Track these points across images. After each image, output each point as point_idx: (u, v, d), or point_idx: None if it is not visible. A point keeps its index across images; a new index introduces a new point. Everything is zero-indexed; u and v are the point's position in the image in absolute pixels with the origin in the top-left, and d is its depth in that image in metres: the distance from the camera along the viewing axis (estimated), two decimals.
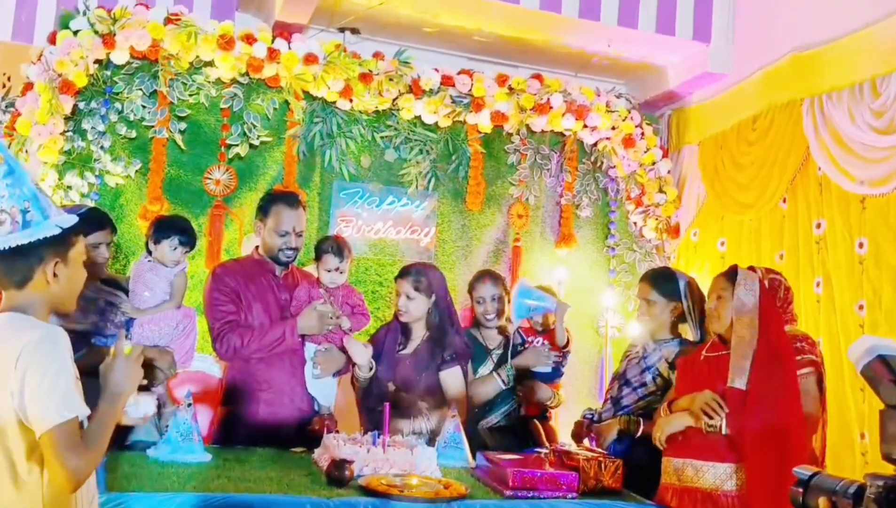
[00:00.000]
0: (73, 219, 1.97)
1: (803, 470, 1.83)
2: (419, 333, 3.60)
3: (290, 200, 3.55)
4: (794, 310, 3.27)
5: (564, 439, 3.94)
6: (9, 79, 4.36)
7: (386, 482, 2.60)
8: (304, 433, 3.37)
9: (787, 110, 4.36)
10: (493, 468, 2.90)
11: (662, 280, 3.47)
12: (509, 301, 3.91)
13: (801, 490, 1.80)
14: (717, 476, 2.81)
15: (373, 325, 3.89)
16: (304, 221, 3.62)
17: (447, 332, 3.57)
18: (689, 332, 3.48)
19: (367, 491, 2.54)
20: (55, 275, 1.94)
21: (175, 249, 3.30)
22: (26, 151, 4.16)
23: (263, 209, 3.52)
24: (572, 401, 4.44)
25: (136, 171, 4.42)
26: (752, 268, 3.14)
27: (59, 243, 1.94)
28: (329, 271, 3.54)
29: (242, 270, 3.49)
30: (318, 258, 3.60)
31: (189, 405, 2.93)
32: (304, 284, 3.57)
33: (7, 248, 1.87)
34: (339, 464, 2.66)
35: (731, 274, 2.99)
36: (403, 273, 3.63)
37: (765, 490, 2.65)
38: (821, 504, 1.73)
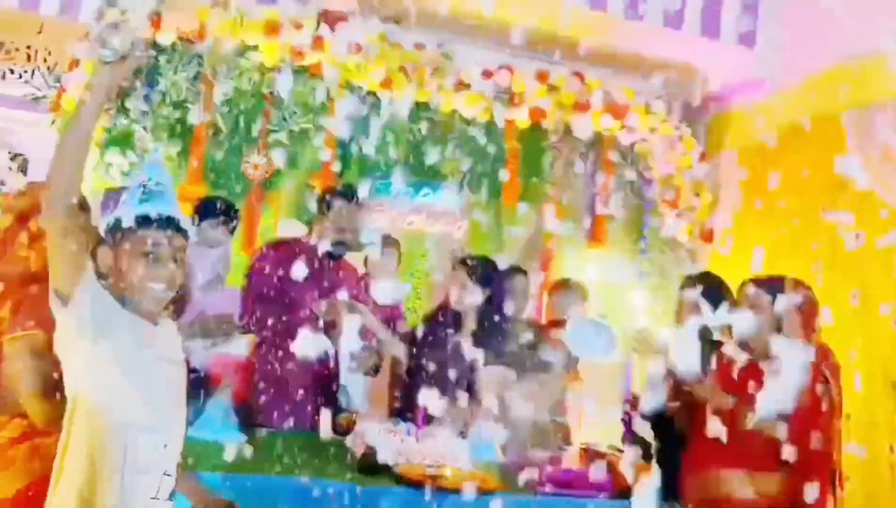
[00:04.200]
0: None
1: None
2: (469, 324, 3.58)
3: (349, 196, 3.58)
4: (816, 323, 3.23)
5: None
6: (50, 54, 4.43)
7: (420, 471, 2.61)
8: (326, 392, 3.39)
9: (830, 120, 4.31)
10: (525, 463, 2.90)
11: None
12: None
13: None
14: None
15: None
16: (359, 217, 3.67)
17: (499, 329, 3.55)
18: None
19: (402, 480, 2.56)
20: None
21: (216, 227, 3.34)
22: None
23: (324, 203, 3.56)
24: (598, 403, 4.43)
25: (177, 152, 4.45)
26: (780, 277, 3.14)
27: None
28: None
29: (289, 251, 3.50)
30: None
31: (227, 386, 2.96)
32: (346, 286, 3.57)
33: None
34: (372, 452, 2.68)
35: (769, 285, 2.97)
36: (461, 262, 3.61)
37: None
38: None
